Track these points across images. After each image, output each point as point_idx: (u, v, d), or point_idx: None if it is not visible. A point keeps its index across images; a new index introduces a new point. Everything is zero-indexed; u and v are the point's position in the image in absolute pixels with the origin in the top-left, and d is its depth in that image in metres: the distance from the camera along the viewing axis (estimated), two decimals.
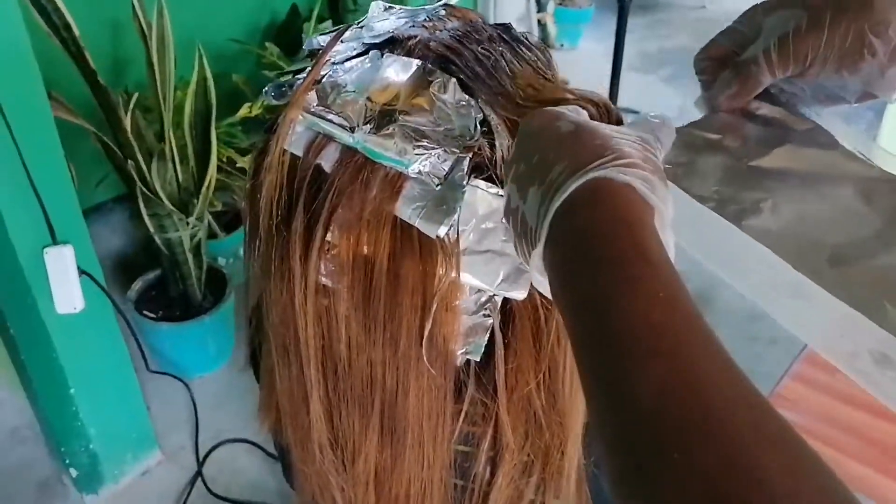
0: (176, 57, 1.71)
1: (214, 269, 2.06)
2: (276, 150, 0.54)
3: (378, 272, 0.51)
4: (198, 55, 1.68)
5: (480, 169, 0.51)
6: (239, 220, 2.32)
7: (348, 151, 0.51)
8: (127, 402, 1.69)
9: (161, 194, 1.73)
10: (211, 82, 1.69)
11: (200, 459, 1.80)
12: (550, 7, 3.70)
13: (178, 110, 1.78)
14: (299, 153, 0.54)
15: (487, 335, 0.54)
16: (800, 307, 0.40)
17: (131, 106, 1.67)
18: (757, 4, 0.51)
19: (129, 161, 1.68)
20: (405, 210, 0.50)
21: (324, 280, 0.54)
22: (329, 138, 0.53)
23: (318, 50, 0.57)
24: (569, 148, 0.41)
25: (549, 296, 0.42)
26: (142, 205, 1.77)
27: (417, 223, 0.49)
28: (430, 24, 0.56)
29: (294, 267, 0.54)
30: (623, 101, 2.82)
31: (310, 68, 0.55)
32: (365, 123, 0.51)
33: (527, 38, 0.58)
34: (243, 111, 2.25)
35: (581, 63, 3.46)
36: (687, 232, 0.43)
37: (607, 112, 0.49)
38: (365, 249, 0.51)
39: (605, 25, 3.99)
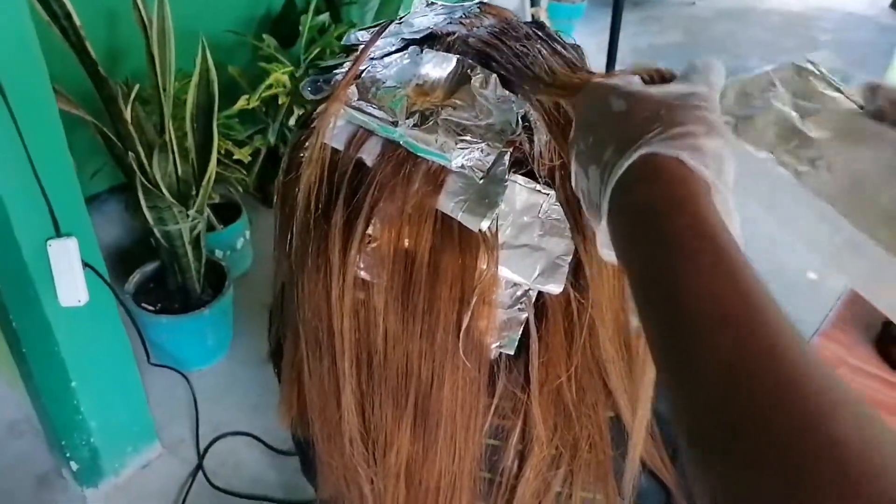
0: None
1: (213, 262, 2.06)
2: (316, 143, 0.55)
3: (418, 265, 0.52)
4: (200, 47, 1.67)
5: (520, 164, 0.51)
6: (236, 213, 2.32)
7: (390, 145, 0.52)
8: (128, 395, 1.68)
9: (162, 186, 1.72)
10: (214, 74, 1.68)
11: (201, 452, 1.80)
12: (544, 2, 3.72)
13: (177, 102, 1.77)
14: (340, 147, 0.54)
15: (521, 329, 0.55)
16: (861, 266, 0.42)
17: (132, 97, 1.66)
18: None
19: (130, 153, 1.67)
20: (447, 204, 0.50)
21: (362, 273, 0.54)
22: (370, 132, 0.53)
23: (357, 45, 0.58)
24: (619, 125, 0.42)
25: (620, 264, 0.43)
26: (141, 197, 1.76)
27: (460, 217, 0.50)
28: (468, 21, 0.57)
29: (332, 260, 0.54)
30: None
31: (351, 63, 0.55)
32: (408, 118, 0.51)
33: (559, 36, 0.59)
34: (241, 103, 2.24)
35: None
36: (746, 182, 0.44)
37: (660, 77, 0.49)
38: (406, 243, 0.52)
39: (596, 21, 4.01)
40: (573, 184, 0.47)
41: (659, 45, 3.90)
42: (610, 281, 0.55)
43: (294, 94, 2.33)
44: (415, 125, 0.50)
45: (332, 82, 0.57)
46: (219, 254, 2.20)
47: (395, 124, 0.51)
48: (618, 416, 0.61)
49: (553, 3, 3.82)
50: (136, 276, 2.01)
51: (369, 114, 0.52)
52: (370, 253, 0.53)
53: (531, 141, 0.51)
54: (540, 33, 0.58)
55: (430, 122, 0.50)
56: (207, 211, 2.02)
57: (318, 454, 0.67)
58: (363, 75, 0.55)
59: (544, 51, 0.55)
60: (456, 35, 0.56)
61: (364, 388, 0.59)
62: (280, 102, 2.32)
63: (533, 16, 3.61)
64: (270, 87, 2.29)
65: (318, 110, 0.57)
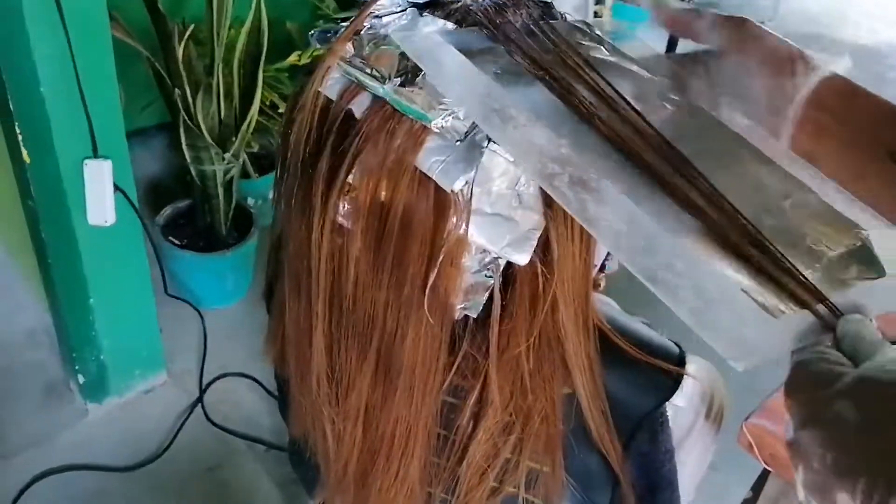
0: None
1: (242, 208, 2.11)
2: (310, 90, 0.57)
3: (392, 217, 0.54)
4: None
5: None
6: (273, 164, 2.37)
7: (378, 101, 0.54)
8: (142, 320, 1.75)
9: (203, 127, 1.77)
10: (265, 25, 1.72)
11: (203, 387, 1.86)
12: (609, 0, 3.67)
13: (229, 48, 1.81)
14: (333, 97, 0.57)
15: (487, 294, 0.57)
16: None
17: (186, 36, 1.71)
18: None
19: (177, 90, 1.72)
20: (426, 162, 0.53)
21: (340, 220, 0.57)
22: (362, 87, 0.56)
23: (363, 2, 0.60)
24: (867, 448, 0.35)
25: None
26: (182, 134, 1.82)
27: (436, 175, 0.52)
28: None
29: (315, 204, 0.57)
30: None
31: (351, 20, 0.58)
32: (396, 76, 0.54)
33: (564, 16, 0.61)
34: (292, 58, 2.28)
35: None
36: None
37: None
38: (383, 195, 0.54)
39: (657, 29, 3.95)
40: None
41: None
42: (575, 262, 0.57)
43: None
44: (401, 84, 0.53)
45: (339, 33, 0.60)
46: (250, 202, 2.25)
47: (382, 81, 0.54)
48: (573, 393, 0.63)
49: (619, 4, 3.78)
50: (167, 210, 2.07)
51: (360, 69, 0.55)
52: (349, 201, 0.56)
53: None
54: (545, 12, 0.60)
55: (417, 83, 0.53)
56: (244, 157, 2.07)
57: (292, 392, 0.71)
58: (362, 32, 0.57)
59: (546, 28, 0.57)
60: (460, 3, 0.58)
61: (333, 331, 0.62)
62: None
63: (596, 13, 3.57)
64: None
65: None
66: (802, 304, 0.41)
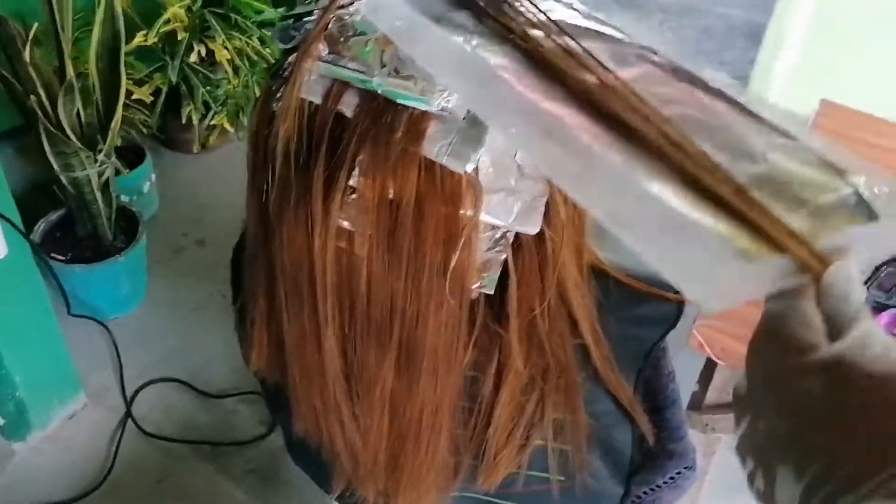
0: None
1: (122, 208, 1.99)
2: (291, 97, 0.55)
3: (404, 211, 0.54)
4: None
5: None
6: (140, 156, 2.24)
7: (367, 95, 0.53)
8: (50, 347, 1.65)
9: (67, 131, 1.65)
10: (119, 10, 1.60)
11: (128, 400, 1.78)
12: None
13: (81, 42, 1.68)
14: (317, 100, 0.55)
15: (500, 269, 0.59)
16: None
17: (30, 37, 1.57)
18: None
19: (31, 96, 1.59)
20: (432, 149, 0.52)
21: (345, 224, 0.56)
22: (346, 84, 0.54)
23: None
24: (830, 433, 0.33)
25: None
26: (45, 142, 1.69)
27: (445, 160, 0.51)
28: None
29: (314, 211, 0.56)
30: None
31: (321, 15, 0.55)
32: (382, 67, 0.52)
33: None
34: (138, 39, 2.14)
35: None
36: None
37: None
38: (390, 191, 0.54)
39: None
40: (740, 459, 0.39)
41: None
42: (572, 217, 0.59)
43: (192, 29, 2.25)
44: (390, 74, 0.52)
45: (303, 31, 0.58)
46: (125, 198, 2.13)
47: (370, 74, 0.52)
48: (582, 342, 0.66)
49: None
50: (41, 226, 1.93)
51: (343, 66, 0.53)
52: (352, 203, 0.55)
53: None
54: None
55: (407, 69, 0.52)
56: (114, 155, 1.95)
57: (292, 395, 0.70)
58: (330, 25, 0.55)
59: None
60: None
61: (346, 331, 0.61)
62: (179, 38, 2.23)
63: None
64: (168, 21, 2.19)
65: (289, 60, 0.58)
66: (782, 250, 0.37)
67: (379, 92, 0.52)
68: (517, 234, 0.58)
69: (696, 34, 3.36)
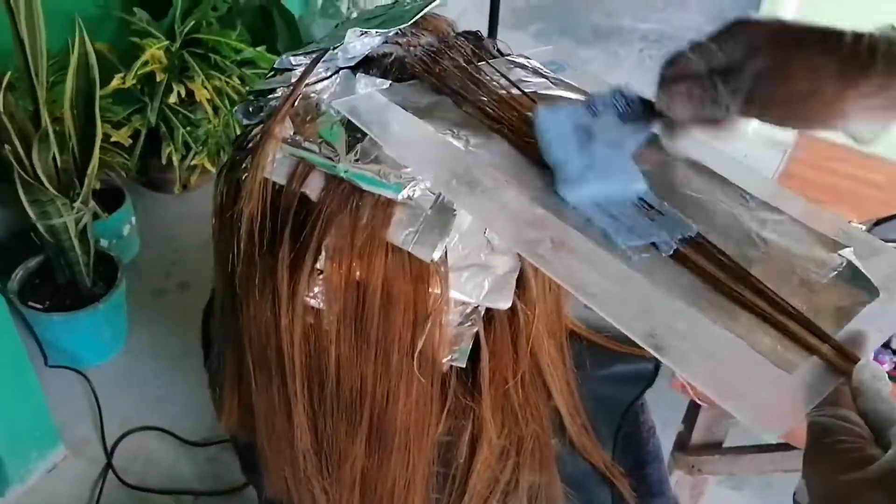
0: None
1: (101, 253, 1.97)
2: (255, 178, 0.54)
3: (371, 294, 0.53)
4: (77, 28, 1.58)
5: None
6: (119, 199, 2.23)
7: (334, 179, 0.52)
8: (28, 400, 1.62)
9: (43, 179, 1.63)
10: (93, 58, 1.59)
11: (109, 450, 1.75)
12: None
13: (55, 89, 1.67)
14: (281, 181, 0.54)
15: (472, 341, 0.57)
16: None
17: (3, 85, 1.56)
18: (738, 26, 0.48)
19: (6, 145, 1.57)
20: (398, 236, 0.51)
21: (311, 302, 0.55)
22: (312, 165, 0.53)
23: (288, 69, 0.57)
24: None
25: None
26: (21, 191, 1.67)
27: (411, 248, 0.51)
28: (404, 40, 0.57)
29: (280, 292, 0.55)
30: None
31: (287, 94, 0.55)
32: (348, 152, 0.52)
33: (497, 48, 0.60)
34: (115, 82, 2.13)
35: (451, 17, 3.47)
36: None
37: None
38: (357, 275, 0.53)
39: None
40: None
41: (536, 5, 3.95)
42: (545, 290, 0.58)
43: (171, 70, 2.24)
44: (357, 159, 0.51)
45: (267, 108, 0.57)
46: (104, 243, 2.11)
47: (336, 160, 0.51)
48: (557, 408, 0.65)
49: None
50: (18, 273, 1.91)
51: (308, 149, 0.52)
52: (319, 283, 0.54)
53: None
54: (476, 47, 0.59)
55: (373, 155, 0.51)
56: (92, 201, 1.93)
57: (264, 462, 0.68)
58: (296, 103, 0.55)
59: (484, 68, 0.57)
60: (393, 56, 0.57)
61: (316, 407, 0.60)
62: (158, 80, 2.23)
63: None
64: (146, 63, 2.19)
65: (253, 132, 0.57)
66: (809, 349, 0.41)
67: (344, 177, 0.51)
68: (489, 308, 0.57)
69: None
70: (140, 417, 1.82)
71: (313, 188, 0.53)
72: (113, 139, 2.11)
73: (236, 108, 0.57)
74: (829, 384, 0.40)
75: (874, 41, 0.44)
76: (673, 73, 0.51)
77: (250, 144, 0.56)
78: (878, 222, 1.19)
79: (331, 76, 0.56)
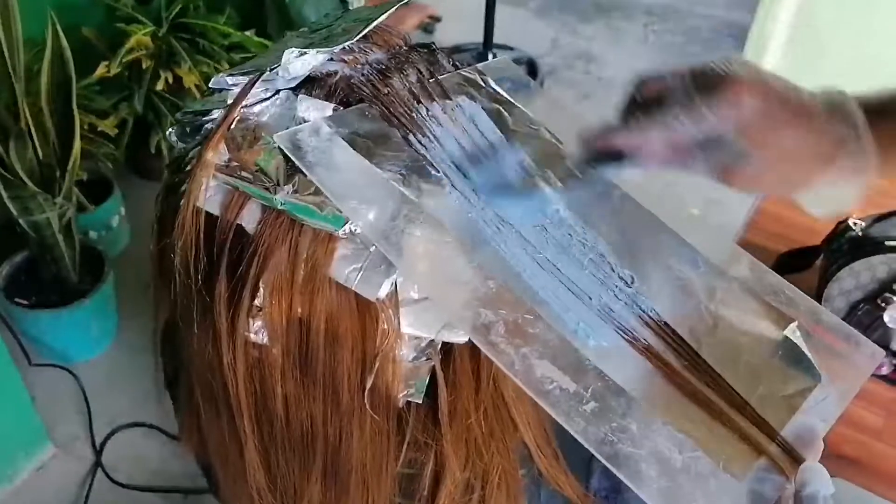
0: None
1: (88, 247, 1.94)
2: (187, 208, 0.50)
3: (315, 333, 0.50)
4: (50, 23, 1.53)
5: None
6: (108, 189, 2.19)
7: (271, 211, 0.48)
8: (12, 399, 1.59)
9: (22, 175, 1.60)
10: (69, 53, 1.55)
11: (97, 448, 1.73)
12: None
13: (27, 76, 1.62)
14: (215, 212, 0.50)
15: (429, 375, 0.54)
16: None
17: None
18: (726, 87, 0.47)
19: None
20: (341, 273, 0.48)
21: (253, 338, 0.52)
22: (248, 195, 0.49)
23: (223, 90, 0.53)
24: None
25: None
26: (0, 188, 1.63)
27: (356, 287, 0.47)
28: (351, 56, 0.53)
29: (220, 329, 0.51)
30: (496, 36, 2.81)
31: (222, 117, 0.51)
32: (286, 183, 0.48)
33: (453, 62, 0.57)
34: (101, 70, 2.09)
35: None
36: None
37: None
38: (299, 312, 0.49)
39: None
40: None
41: None
42: None
43: (158, 56, 2.19)
44: (295, 190, 0.47)
45: (203, 130, 0.53)
46: (93, 235, 2.08)
47: (273, 190, 0.47)
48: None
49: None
50: (5, 268, 1.88)
51: (244, 178, 0.48)
52: (260, 318, 0.51)
53: None
54: (430, 62, 0.55)
55: (313, 187, 0.47)
56: (76, 194, 1.89)
57: (221, 485, 0.66)
58: (232, 126, 0.51)
59: (437, 87, 0.53)
60: (338, 76, 0.53)
61: (267, 444, 0.57)
62: (144, 67, 2.18)
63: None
64: (132, 50, 2.14)
65: (191, 154, 0.53)
66: (758, 449, 0.42)
67: (281, 209, 0.48)
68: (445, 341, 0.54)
69: (681, 36, 3.32)
70: (129, 414, 1.79)
71: (249, 220, 0.49)
72: (99, 129, 2.07)
73: (169, 130, 0.54)
74: (776, 489, 0.41)
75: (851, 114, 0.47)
76: (645, 98, 0.50)
77: (188, 167, 0.53)
78: (879, 219, 1.14)
79: (270, 97, 0.52)
